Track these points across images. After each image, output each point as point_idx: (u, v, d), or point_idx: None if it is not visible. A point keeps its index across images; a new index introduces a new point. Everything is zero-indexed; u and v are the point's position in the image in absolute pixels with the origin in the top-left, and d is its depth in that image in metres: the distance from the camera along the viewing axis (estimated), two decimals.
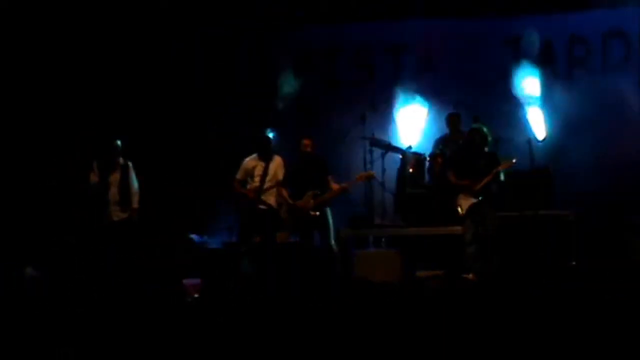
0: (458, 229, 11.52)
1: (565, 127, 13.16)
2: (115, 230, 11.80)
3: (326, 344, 6.29)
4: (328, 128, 13.34)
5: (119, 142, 11.99)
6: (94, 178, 11.94)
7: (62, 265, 11.40)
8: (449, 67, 13.63)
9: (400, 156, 12.99)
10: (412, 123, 13.52)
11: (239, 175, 11.95)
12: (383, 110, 13.55)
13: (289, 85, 13.44)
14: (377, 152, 12.97)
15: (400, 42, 13.81)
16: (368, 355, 6.18)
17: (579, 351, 6.58)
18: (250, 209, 11.72)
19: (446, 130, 13.15)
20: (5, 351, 6.50)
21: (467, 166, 11.34)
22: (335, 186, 11.41)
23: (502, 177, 11.22)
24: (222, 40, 13.85)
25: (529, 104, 13.07)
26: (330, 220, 11.41)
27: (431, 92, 13.46)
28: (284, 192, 11.61)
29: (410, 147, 13.12)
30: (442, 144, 12.94)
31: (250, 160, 11.95)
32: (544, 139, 13.07)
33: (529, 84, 13.06)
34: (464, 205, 11.24)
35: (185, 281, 10.99)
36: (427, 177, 12.80)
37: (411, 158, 12.87)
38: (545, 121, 13.14)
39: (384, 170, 12.95)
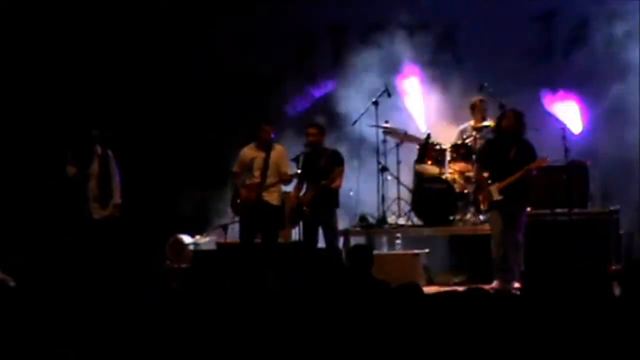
0: (479, 228, 11.62)
1: (605, 118, 12.80)
2: (95, 229, 11.33)
3: (326, 343, 6.13)
4: (336, 114, 13.14)
5: (95, 131, 11.59)
6: (71, 170, 11.40)
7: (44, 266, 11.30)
8: (472, 47, 13.40)
9: (417, 146, 12.62)
10: (431, 109, 13.26)
11: (236, 168, 11.44)
12: (398, 94, 13.19)
13: None
14: (391, 142, 12.77)
15: (417, 21, 13.54)
16: (368, 355, 6.00)
17: None
18: (251, 208, 11.21)
19: (470, 118, 12.72)
20: (5, 351, 6.47)
21: (494, 159, 10.84)
22: (338, 182, 11.26)
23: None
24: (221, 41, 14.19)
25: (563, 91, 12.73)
26: (335, 221, 11.35)
27: (452, 75, 13.20)
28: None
29: (429, 136, 12.65)
30: (466, 134, 12.60)
31: (247, 150, 11.38)
32: (581, 132, 12.76)
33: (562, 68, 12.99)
34: (494, 193, 10.71)
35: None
36: (447, 170, 12.54)
37: (429, 149, 12.54)
38: (582, 111, 12.77)
39: (398, 162, 12.75)
